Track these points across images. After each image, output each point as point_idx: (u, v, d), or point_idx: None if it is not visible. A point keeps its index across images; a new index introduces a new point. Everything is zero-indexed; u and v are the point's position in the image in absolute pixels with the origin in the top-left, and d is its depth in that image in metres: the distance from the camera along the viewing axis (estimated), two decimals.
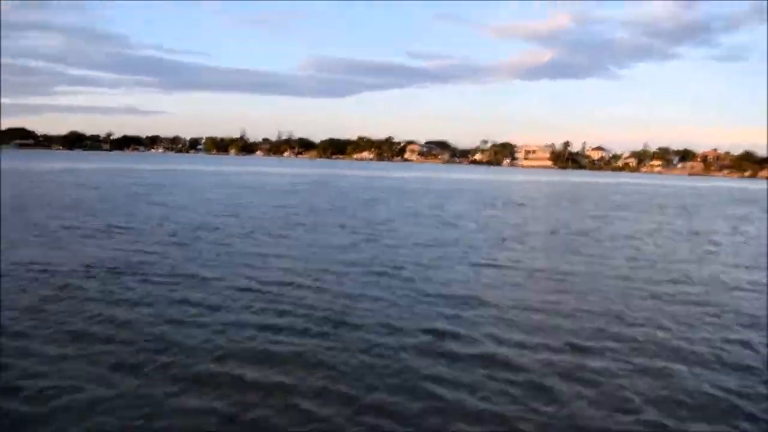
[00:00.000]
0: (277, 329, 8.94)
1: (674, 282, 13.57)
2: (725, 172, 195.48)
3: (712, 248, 19.71)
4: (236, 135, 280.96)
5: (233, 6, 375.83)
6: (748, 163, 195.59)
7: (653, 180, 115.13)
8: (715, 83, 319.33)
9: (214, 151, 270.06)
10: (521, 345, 8.60)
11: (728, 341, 9.08)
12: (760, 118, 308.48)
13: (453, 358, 7.99)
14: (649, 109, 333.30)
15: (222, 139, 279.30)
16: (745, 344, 8.96)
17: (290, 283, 11.96)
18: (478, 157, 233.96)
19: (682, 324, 9.97)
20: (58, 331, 8.56)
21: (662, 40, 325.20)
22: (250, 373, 7.27)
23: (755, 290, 13.04)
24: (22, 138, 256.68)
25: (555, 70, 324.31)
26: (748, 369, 7.93)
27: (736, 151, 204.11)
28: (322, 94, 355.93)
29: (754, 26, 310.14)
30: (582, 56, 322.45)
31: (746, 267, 16.18)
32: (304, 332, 8.85)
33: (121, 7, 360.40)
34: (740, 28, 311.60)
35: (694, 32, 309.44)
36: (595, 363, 7.97)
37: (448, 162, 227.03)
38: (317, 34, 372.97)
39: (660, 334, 9.36)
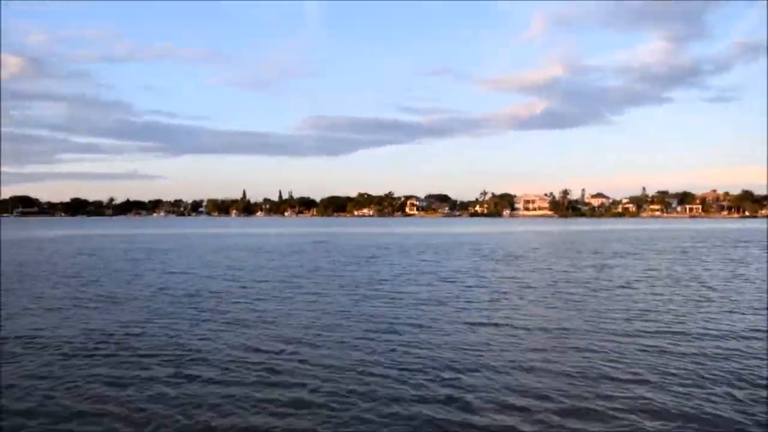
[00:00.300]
0: (272, 403, 8.94)
1: (670, 334, 13.61)
2: (724, 213, 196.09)
3: (710, 294, 19.73)
4: (237, 196, 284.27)
5: (230, 70, 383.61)
6: (747, 202, 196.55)
7: (653, 225, 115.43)
8: (710, 125, 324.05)
9: (216, 213, 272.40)
10: (517, 410, 8.62)
11: (718, 396, 9.13)
12: (757, 157, 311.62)
13: (449, 426, 8.04)
14: (646, 153, 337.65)
15: (223, 201, 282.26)
16: (736, 400, 8.99)
17: (287, 352, 12.00)
18: (477, 209, 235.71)
19: (676, 380, 10.01)
20: (48, 409, 8.62)
21: (654, 85, 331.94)
22: None
23: (752, 337, 13.08)
24: (25, 206, 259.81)
25: (550, 120, 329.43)
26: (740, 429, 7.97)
27: (735, 191, 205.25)
28: (320, 152, 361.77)
29: (743, 67, 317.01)
30: (576, 105, 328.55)
31: (742, 313, 16.20)
32: (299, 405, 8.87)
33: (123, 72, 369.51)
34: (730, 70, 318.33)
35: (685, 76, 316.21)
36: (589, 428, 8.01)
37: (448, 215, 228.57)
38: (312, 94, 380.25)
39: (652, 393, 9.39)
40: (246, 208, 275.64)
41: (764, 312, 16.35)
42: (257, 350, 12.09)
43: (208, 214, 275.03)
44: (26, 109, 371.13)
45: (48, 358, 11.51)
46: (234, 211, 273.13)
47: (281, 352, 11.96)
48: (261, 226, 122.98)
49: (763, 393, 9.22)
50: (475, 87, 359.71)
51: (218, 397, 9.15)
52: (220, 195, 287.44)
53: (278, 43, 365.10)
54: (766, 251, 40.44)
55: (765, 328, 14.05)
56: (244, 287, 22.04)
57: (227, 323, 15.02)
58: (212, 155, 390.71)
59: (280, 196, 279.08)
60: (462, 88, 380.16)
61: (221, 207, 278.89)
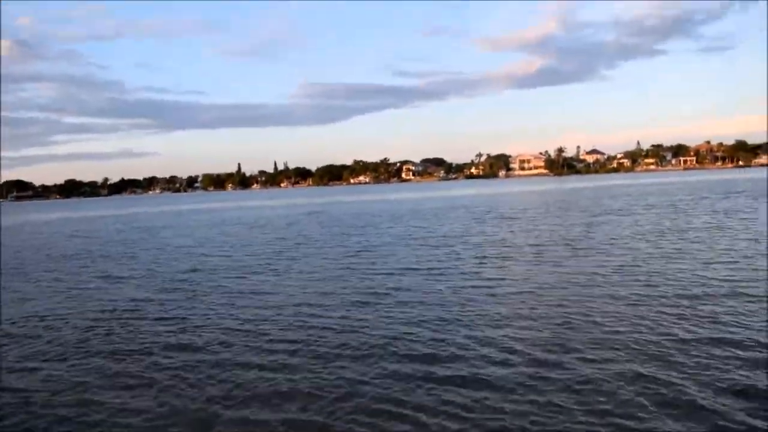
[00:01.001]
0: (262, 367, 9.53)
1: (641, 288, 14.20)
2: (719, 164, 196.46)
3: (688, 247, 20.26)
4: (233, 170, 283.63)
5: (223, 41, 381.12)
6: (741, 152, 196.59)
7: (647, 179, 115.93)
8: (703, 75, 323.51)
9: (212, 188, 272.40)
10: (493, 362, 9.21)
11: (680, 349, 9.73)
12: (750, 106, 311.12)
13: (432, 381, 8.63)
14: (640, 107, 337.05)
15: (218, 175, 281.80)
16: (694, 347, 9.60)
17: (279, 321, 12.58)
18: (473, 171, 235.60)
19: (644, 331, 10.61)
20: (52, 384, 9.19)
21: (647, 38, 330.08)
22: (232, 413, 7.90)
23: (722, 292, 13.66)
24: (19, 190, 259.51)
25: (545, 78, 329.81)
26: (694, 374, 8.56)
27: (729, 141, 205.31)
28: (315, 121, 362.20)
29: (735, 15, 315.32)
30: (571, 61, 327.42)
31: (714, 266, 16.76)
32: (288, 368, 9.47)
33: (113, 50, 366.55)
34: (722, 19, 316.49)
35: (678, 27, 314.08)
36: (560, 375, 8.59)
37: (444, 179, 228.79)
38: (307, 61, 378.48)
39: (621, 348, 9.99)
40: (242, 181, 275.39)
41: (735, 263, 16.92)
42: (250, 321, 12.66)
43: (204, 189, 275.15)
44: (18, 92, 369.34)
45: (50, 339, 12.07)
46: (230, 185, 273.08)
47: (273, 322, 12.54)
48: (257, 198, 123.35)
49: (723, 335, 9.81)
50: (470, 47, 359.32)
51: (215, 366, 9.76)
52: (216, 169, 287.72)
53: (270, 10, 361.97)
54: (754, 201, 40.98)
55: (734, 278, 14.65)
56: (238, 262, 22.56)
57: (222, 297, 15.57)
58: (206, 130, 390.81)
59: (276, 168, 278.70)
60: (457, 48, 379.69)
61: (217, 181, 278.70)
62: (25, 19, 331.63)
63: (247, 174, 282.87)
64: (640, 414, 7.20)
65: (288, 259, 22.54)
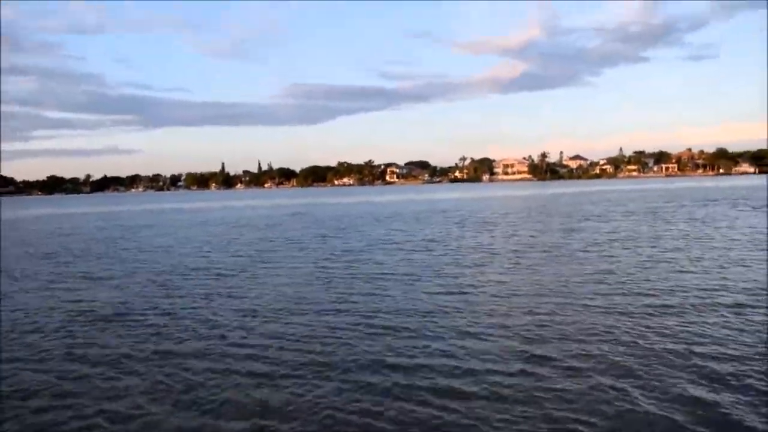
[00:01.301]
0: (237, 374, 9.61)
1: (611, 294, 14.44)
2: (700, 171, 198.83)
3: (663, 255, 20.59)
4: (216, 169, 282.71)
5: (207, 40, 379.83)
6: (722, 160, 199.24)
7: (628, 185, 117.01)
8: (686, 83, 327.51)
9: (195, 187, 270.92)
10: (465, 372, 9.37)
11: (648, 350, 9.95)
12: (732, 114, 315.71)
13: (403, 390, 8.72)
14: (623, 114, 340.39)
15: (202, 174, 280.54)
16: (661, 355, 9.83)
17: (256, 326, 12.66)
18: (457, 174, 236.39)
19: (612, 337, 10.82)
20: (33, 384, 9.21)
21: (631, 45, 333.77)
22: (205, 421, 7.98)
23: (695, 302, 13.94)
24: (0, 185, 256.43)
25: (529, 82, 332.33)
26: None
27: (711, 149, 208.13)
28: (300, 121, 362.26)
29: (718, 24, 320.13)
30: (554, 67, 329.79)
31: (686, 272, 17.07)
32: (262, 377, 9.55)
33: (94, 44, 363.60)
34: (705, 27, 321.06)
35: (661, 34, 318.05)
36: (530, 385, 8.77)
37: (428, 182, 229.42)
38: (290, 62, 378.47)
39: (594, 348, 10.20)
40: (225, 180, 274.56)
41: (707, 274, 17.24)
42: (226, 326, 12.68)
43: (188, 188, 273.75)
44: None
45: (24, 339, 12.04)
46: (213, 184, 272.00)
47: (249, 329, 12.53)
48: (241, 198, 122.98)
49: (692, 347, 10.04)
50: (453, 50, 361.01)
51: (191, 371, 9.80)
52: (199, 168, 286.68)
53: (255, 10, 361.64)
54: (731, 209, 41.60)
55: (706, 288, 14.94)
56: (217, 263, 22.55)
57: (200, 300, 15.58)
58: (190, 127, 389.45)
59: (260, 168, 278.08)
60: (440, 52, 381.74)
61: (200, 180, 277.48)
62: (7, 10, 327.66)
63: (231, 173, 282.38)
64: (600, 425, 7.38)
65: (268, 262, 22.57)
